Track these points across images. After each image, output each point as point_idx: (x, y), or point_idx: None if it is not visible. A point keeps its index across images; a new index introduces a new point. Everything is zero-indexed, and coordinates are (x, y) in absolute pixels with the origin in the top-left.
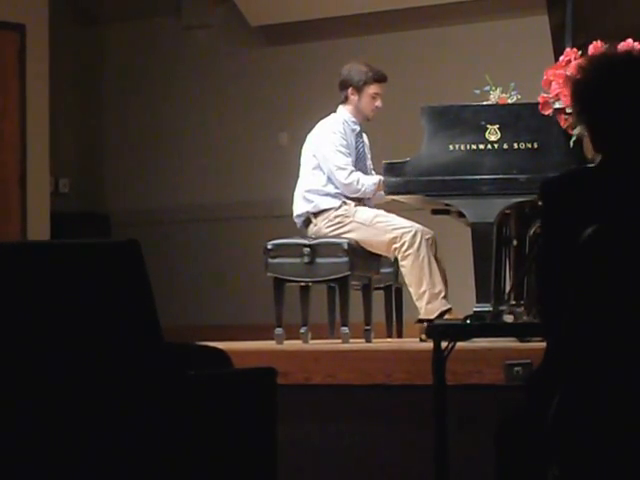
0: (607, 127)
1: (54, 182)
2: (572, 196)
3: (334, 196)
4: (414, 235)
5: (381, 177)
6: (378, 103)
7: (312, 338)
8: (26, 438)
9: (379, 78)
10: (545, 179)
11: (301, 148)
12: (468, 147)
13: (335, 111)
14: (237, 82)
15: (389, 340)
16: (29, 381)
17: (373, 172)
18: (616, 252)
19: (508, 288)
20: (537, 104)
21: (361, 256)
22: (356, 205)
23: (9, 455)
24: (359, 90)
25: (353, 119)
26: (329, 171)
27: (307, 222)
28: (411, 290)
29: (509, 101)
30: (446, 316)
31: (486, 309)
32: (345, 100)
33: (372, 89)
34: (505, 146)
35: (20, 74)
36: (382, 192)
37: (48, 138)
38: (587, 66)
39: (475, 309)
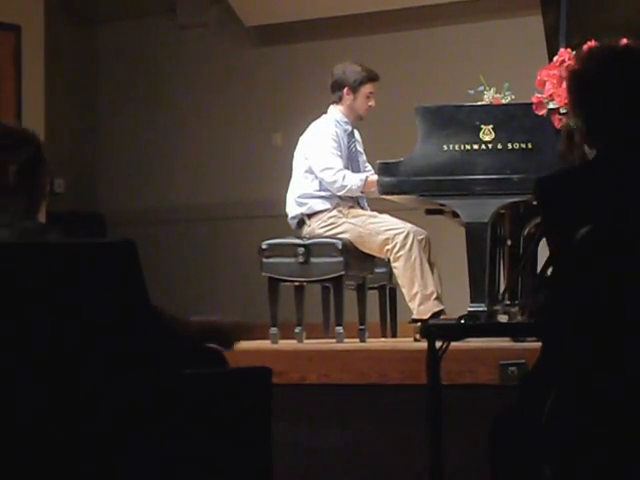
0: (603, 119)
1: (49, 182)
2: (567, 192)
3: (328, 198)
4: (406, 236)
5: (368, 174)
6: (372, 102)
7: (307, 338)
8: (24, 438)
9: (374, 77)
10: (539, 177)
11: (295, 149)
12: (462, 147)
13: (326, 112)
14: (231, 82)
15: (383, 340)
16: (26, 381)
17: (368, 166)
18: (614, 249)
19: (502, 288)
20: (531, 104)
21: (355, 256)
22: (350, 207)
23: (8, 455)
24: (355, 90)
25: (345, 119)
26: (318, 173)
27: (301, 223)
28: (404, 291)
29: (503, 101)
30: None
31: (480, 309)
32: (339, 100)
33: (367, 88)
34: (499, 146)
35: (15, 74)
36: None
37: (43, 138)
38: (586, 57)
39: (469, 309)
